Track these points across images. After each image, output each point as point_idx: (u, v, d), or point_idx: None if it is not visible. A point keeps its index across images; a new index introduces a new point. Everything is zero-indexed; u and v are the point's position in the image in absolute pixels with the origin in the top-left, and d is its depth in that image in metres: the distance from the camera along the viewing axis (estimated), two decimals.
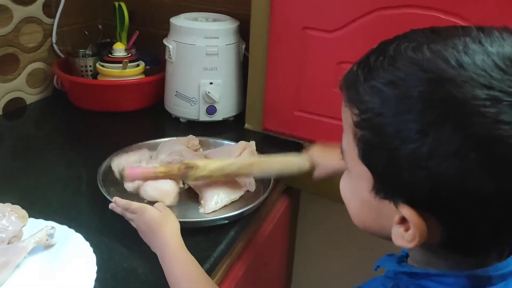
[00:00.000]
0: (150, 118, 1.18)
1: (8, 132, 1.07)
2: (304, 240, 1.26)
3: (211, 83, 1.06)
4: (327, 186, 1.02)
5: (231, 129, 1.10)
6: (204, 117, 1.09)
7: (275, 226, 0.97)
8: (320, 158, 0.77)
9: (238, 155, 0.84)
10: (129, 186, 0.76)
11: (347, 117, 0.42)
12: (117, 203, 0.71)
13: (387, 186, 0.40)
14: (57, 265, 0.64)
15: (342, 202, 0.48)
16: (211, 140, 0.95)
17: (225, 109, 1.10)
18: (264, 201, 0.80)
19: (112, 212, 0.73)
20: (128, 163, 0.80)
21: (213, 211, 0.77)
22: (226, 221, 0.75)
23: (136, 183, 0.76)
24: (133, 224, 0.71)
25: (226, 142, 0.95)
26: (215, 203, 0.77)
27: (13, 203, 0.70)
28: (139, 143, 0.91)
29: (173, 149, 0.85)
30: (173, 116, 1.14)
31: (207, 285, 0.61)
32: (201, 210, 0.77)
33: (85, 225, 0.72)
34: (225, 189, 0.79)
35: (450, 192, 0.36)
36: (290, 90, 0.99)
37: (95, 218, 0.76)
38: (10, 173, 0.89)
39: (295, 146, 1.03)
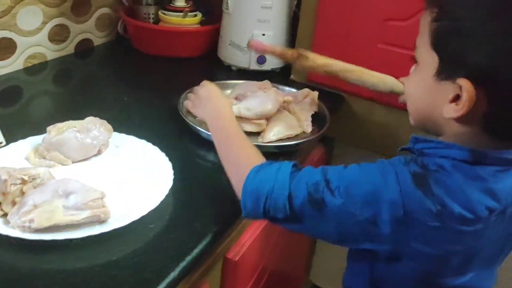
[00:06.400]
0: (204, 64, 1.29)
1: (77, 69, 1.20)
2: None
3: (263, 34, 1.16)
4: (362, 136, 1.13)
5: (278, 79, 1.19)
6: (254, 66, 1.19)
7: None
8: None
9: (300, 101, 0.95)
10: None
11: (425, 17, 0.52)
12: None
13: (451, 66, 0.50)
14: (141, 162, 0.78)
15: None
16: (277, 86, 1.05)
17: (274, 60, 1.20)
18: (309, 141, 0.89)
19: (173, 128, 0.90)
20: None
21: (269, 142, 0.87)
22: (276, 150, 0.86)
23: None
24: (192, 96, 0.86)
25: (287, 88, 1.05)
26: (273, 135, 0.88)
27: None
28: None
29: (248, 89, 0.96)
30: (225, 64, 1.24)
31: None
32: (260, 140, 0.88)
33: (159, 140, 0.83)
34: (285, 126, 0.89)
35: (509, 70, 0.45)
36: (337, 44, 1.08)
37: (165, 134, 0.89)
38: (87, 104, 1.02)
39: (336, 97, 1.12)
